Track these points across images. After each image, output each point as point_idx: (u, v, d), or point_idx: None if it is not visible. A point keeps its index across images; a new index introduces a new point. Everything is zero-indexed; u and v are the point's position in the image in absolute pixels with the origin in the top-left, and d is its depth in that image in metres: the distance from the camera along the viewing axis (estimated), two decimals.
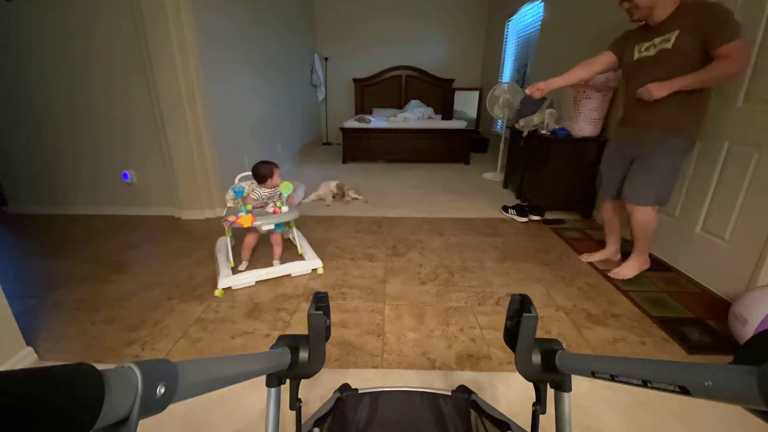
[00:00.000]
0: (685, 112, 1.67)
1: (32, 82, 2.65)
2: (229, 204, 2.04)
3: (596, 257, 2.21)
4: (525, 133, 3.22)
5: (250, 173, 2.04)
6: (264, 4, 3.74)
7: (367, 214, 3.01)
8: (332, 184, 3.40)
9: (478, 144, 5.67)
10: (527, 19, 4.46)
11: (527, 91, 2.01)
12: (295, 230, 2.24)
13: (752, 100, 1.71)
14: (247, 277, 1.91)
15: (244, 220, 1.82)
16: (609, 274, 2.03)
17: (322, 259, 2.19)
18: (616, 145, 2.01)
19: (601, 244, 2.31)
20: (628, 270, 2.01)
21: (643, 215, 1.86)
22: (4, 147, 2.84)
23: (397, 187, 3.84)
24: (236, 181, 2.08)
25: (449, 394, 0.84)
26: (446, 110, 6.15)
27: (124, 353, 1.44)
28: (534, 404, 0.53)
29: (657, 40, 1.67)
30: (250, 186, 2.04)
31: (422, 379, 1.32)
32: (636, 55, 1.77)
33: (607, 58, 1.92)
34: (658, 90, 1.62)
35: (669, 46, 1.62)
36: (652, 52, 1.69)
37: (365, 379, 1.30)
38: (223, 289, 1.84)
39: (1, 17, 2.51)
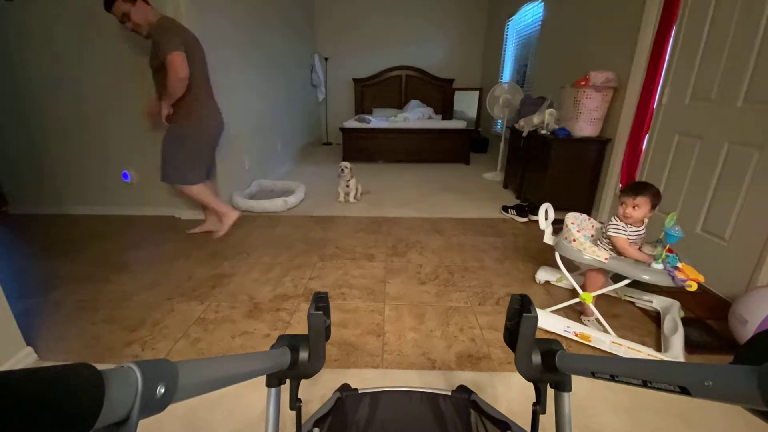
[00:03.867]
0: (179, 109, 2.17)
1: (33, 82, 2.65)
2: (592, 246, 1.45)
3: (198, 229, 2.58)
4: (525, 133, 3.22)
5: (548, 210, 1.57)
6: (264, 4, 3.73)
7: (367, 214, 3.01)
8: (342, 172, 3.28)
9: (478, 144, 5.67)
10: (527, 19, 4.46)
11: None
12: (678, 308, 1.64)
13: (752, 100, 1.71)
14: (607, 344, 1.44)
15: (695, 273, 1.23)
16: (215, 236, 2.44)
17: (321, 260, 2.20)
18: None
19: None
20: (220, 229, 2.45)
21: (187, 191, 2.33)
22: (5, 147, 2.84)
23: (397, 187, 3.84)
24: (547, 214, 1.58)
25: (449, 394, 0.84)
26: (446, 110, 6.15)
27: (123, 353, 1.44)
28: (534, 404, 0.53)
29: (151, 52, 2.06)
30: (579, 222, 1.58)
31: (422, 379, 1.32)
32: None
33: None
34: (164, 113, 2.15)
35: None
36: (156, 63, 2.05)
37: (365, 379, 1.30)
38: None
39: (2, 17, 2.51)
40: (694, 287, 1.21)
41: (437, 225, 2.77)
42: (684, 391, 0.30)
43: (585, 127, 2.72)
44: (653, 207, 1.41)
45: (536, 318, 0.50)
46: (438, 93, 6.23)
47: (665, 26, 2.23)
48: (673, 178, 2.17)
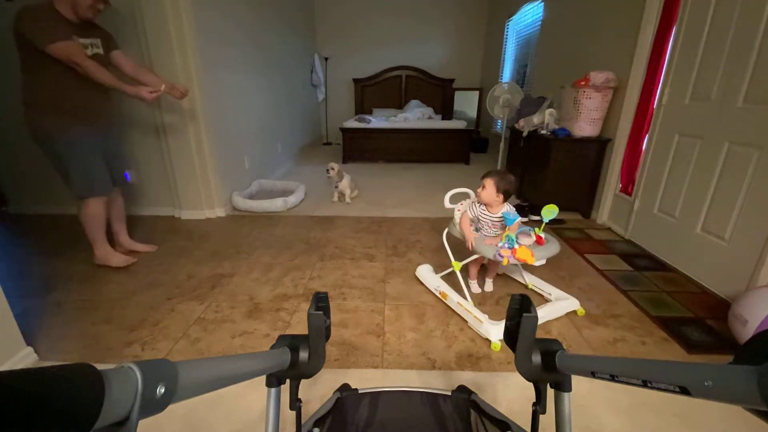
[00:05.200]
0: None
1: None
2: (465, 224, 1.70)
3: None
4: (525, 133, 3.22)
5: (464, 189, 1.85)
6: (264, 4, 3.73)
7: (367, 214, 3.01)
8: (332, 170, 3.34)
9: (478, 144, 5.66)
10: (527, 19, 4.46)
11: None
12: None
13: (752, 100, 1.71)
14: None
15: (525, 254, 1.48)
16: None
17: (321, 260, 2.20)
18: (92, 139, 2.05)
19: (602, 244, 2.31)
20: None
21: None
22: (5, 147, 2.83)
23: (397, 187, 3.84)
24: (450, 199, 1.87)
25: (449, 394, 0.84)
26: (446, 110, 6.15)
27: (123, 353, 1.44)
28: (534, 404, 0.53)
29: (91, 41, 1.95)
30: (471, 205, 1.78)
31: (422, 379, 1.32)
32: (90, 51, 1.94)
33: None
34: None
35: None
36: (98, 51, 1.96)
37: (365, 379, 1.30)
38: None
39: (2, 17, 2.51)
40: (505, 262, 1.48)
41: (437, 225, 2.77)
42: (684, 391, 0.30)
43: (585, 127, 2.72)
44: (498, 191, 1.59)
45: (536, 318, 0.50)
46: (438, 93, 6.23)
47: (665, 26, 2.23)
48: (673, 178, 2.17)
